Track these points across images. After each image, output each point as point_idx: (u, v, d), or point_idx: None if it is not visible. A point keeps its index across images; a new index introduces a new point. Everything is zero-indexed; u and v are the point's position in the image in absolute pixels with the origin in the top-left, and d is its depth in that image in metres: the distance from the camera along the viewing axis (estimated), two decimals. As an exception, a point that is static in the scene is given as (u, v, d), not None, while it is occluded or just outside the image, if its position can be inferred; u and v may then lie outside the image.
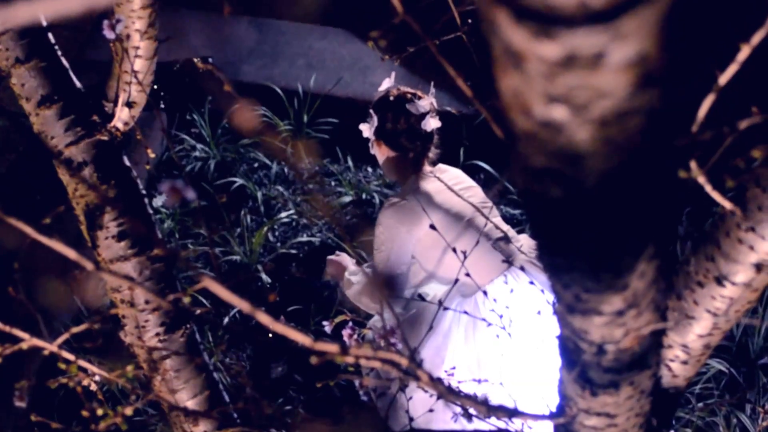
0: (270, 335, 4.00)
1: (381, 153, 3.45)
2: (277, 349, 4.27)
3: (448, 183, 3.35)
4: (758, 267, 1.39)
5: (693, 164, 1.23)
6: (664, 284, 1.19)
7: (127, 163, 1.95)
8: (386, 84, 3.43)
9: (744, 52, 1.04)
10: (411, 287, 3.56)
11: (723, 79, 1.06)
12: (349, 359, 1.15)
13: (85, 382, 1.47)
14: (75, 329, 1.32)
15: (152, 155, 1.94)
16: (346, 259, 3.72)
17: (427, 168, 3.45)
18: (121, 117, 1.92)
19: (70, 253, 1.05)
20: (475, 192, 3.50)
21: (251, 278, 4.59)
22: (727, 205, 1.34)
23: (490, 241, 3.25)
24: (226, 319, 4.37)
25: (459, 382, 1.89)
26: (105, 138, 1.90)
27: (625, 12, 0.62)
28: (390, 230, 3.33)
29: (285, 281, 4.62)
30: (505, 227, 3.41)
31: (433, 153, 3.47)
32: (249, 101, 4.98)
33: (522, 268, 3.19)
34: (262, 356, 4.28)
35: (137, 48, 1.90)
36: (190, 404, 1.92)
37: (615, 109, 0.72)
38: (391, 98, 3.37)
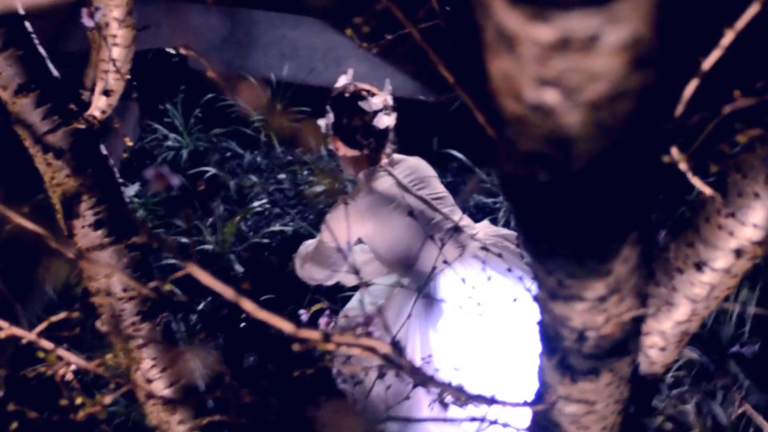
0: (242, 324, 3.98)
1: (338, 148, 3.49)
2: (248, 340, 4.27)
3: (403, 176, 3.47)
4: (738, 253, 1.40)
5: (674, 150, 1.24)
6: (646, 270, 1.19)
7: (104, 151, 1.93)
8: (343, 80, 3.47)
9: (728, 38, 1.04)
10: (368, 279, 3.72)
11: (707, 64, 1.06)
12: (331, 346, 1.14)
13: (61, 372, 1.46)
14: (54, 318, 1.31)
15: (129, 143, 1.92)
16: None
17: (384, 161, 3.50)
18: (99, 105, 1.90)
19: (50, 239, 1.04)
20: (430, 182, 3.56)
21: (224, 267, 4.58)
22: (707, 191, 1.34)
23: (441, 233, 3.31)
24: (200, 307, 4.35)
25: (436, 370, 1.89)
26: (82, 126, 1.88)
27: (621, -6, 0.62)
28: (336, 230, 3.45)
29: (258, 270, 4.60)
30: (459, 216, 3.46)
31: (388, 149, 3.51)
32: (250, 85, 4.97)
33: (476, 256, 3.28)
34: (234, 347, 4.27)
35: (115, 36, 1.88)
36: (167, 393, 1.91)
37: (607, 92, 0.72)
38: (347, 95, 3.40)
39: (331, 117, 3.40)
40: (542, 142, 0.81)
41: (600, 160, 0.83)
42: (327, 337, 1.09)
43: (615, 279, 1.10)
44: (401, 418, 1.68)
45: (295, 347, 1.10)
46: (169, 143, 5.16)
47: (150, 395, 1.86)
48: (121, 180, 2.00)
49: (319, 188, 4.98)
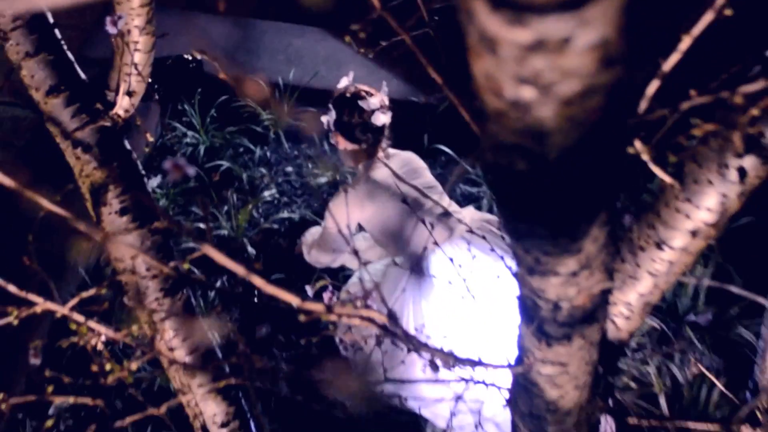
0: (255, 300, 4.00)
1: (339, 143, 3.50)
2: (261, 313, 4.27)
3: (397, 168, 3.49)
4: (694, 233, 1.40)
5: (637, 142, 1.23)
6: (613, 248, 1.18)
7: (128, 146, 1.92)
8: (344, 82, 3.48)
9: (685, 42, 1.03)
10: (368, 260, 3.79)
11: (667, 66, 1.06)
12: (333, 317, 1.14)
13: (93, 342, 1.45)
14: (85, 294, 1.30)
15: (150, 139, 1.91)
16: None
17: (380, 155, 3.51)
18: (122, 105, 1.89)
19: (80, 224, 1.03)
20: (421, 173, 3.59)
21: (238, 250, 4.57)
22: (667, 179, 1.34)
23: (432, 217, 3.34)
24: (218, 284, 4.34)
25: (427, 337, 1.89)
26: (108, 124, 1.87)
27: (591, 0, 0.61)
28: (338, 215, 3.45)
29: (269, 253, 4.60)
30: (447, 203, 3.48)
31: (384, 143, 3.52)
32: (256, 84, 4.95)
33: (464, 238, 3.30)
34: (247, 319, 4.27)
35: (136, 42, 1.87)
36: (188, 360, 1.90)
37: (578, 89, 0.71)
38: (348, 95, 3.42)
39: (333, 114, 3.42)
40: (520, 135, 0.80)
41: (572, 150, 0.82)
42: (329, 309, 1.09)
43: (585, 256, 1.10)
44: (397, 380, 1.69)
45: (301, 318, 1.09)
46: (188, 140, 5.14)
47: (172, 362, 1.85)
48: (143, 172, 1.99)
49: (322, 179, 4.97)
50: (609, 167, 0.94)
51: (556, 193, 0.91)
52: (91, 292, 1.29)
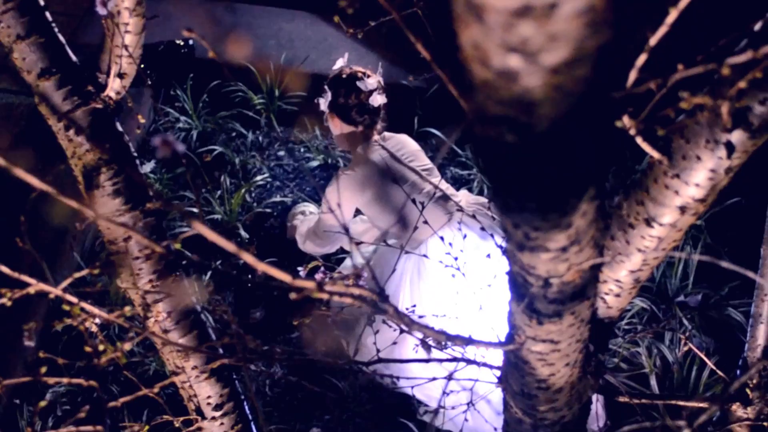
0: (249, 282, 4.00)
1: (334, 125, 3.47)
2: (255, 297, 4.26)
3: (394, 150, 3.44)
4: (682, 209, 1.39)
5: (626, 117, 1.23)
6: (603, 223, 1.18)
7: (120, 128, 1.90)
8: (339, 63, 3.44)
9: (672, 16, 1.02)
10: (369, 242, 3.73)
11: (653, 39, 1.05)
12: (324, 295, 1.13)
13: (87, 324, 1.45)
14: (77, 274, 1.29)
15: (142, 120, 1.90)
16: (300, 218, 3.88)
17: (375, 137, 3.47)
18: (114, 87, 1.87)
19: (72, 203, 1.03)
20: (417, 156, 3.55)
21: (231, 234, 4.56)
22: (655, 154, 1.34)
23: (430, 200, 3.31)
24: (212, 267, 4.33)
25: (420, 316, 1.88)
26: (99, 106, 1.86)
27: (577, -36, 0.61)
28: (336, 200, 3.38)
29: (261, 236, 4.59)
30: (445, 186, 3.46)
31: (380, 125, 3.49)
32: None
33: (460, 220, 3.28)
34: (242, 303, 4.26)
35: (127, 24, 1.85)
36: (181, 342, 1.90)
37: (565, 56, 0.71)
38: (344, 76, 3.39)
39: (329, 96, 3.39)
40: (508, 106, 0.80)
41: (561, 122, 0.82)
42: (320, 287, 1.08)
43: (575, 231, 1.09)
44: (389, 360, 1.68)
45: (292, 296, 1.08)
46: (180, 125, 5.12)
47: (166, 343, 1.85)
48: (136, 155, 1.97)
49: (314, 163, 4.96)
50: (597, 140, 0.93)
51: (545, 166, 0.91)
52: (84, 272, 1.28)
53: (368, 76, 3.39)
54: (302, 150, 5.04)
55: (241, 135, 5.15)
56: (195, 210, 4.42)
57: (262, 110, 5.19)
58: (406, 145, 3.56)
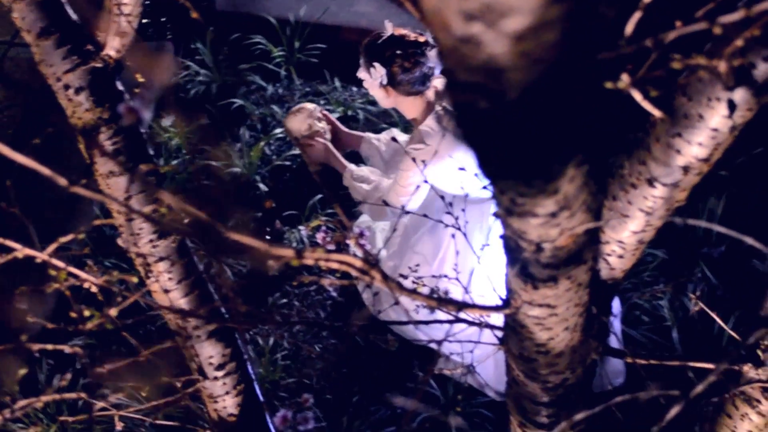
0: (221, 250, 3.96)
1: (391, 98, 3.10)
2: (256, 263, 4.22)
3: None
4: (685, 169, 1.35)
5: (624, 76, 1.17)
6: (595, 187, 1.13)
7: (120, 87, 1.87)
8: (389, 29, 3.03)
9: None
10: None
11: (646, -3, 1.00)
12: (309, 262, 1.10)
13: (86, 287, 1.43)
14: (63, 239, 1.27)
15: (141, 80, 1.87)
16: (322, 143, 3.35)
17: (438, 103, 3.10)
18: (113, 46, 1.84)
19: (44, 170, 1.00)
20: None
21: (250, 187, 4.55)
22: (656, 113, 1.28)
23: None
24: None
25: (419, 277, 1.85)
26: (99, 65, 1.83)
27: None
28: (418, 173, 2.99)
29: (280, 190, 4.57)
30: None
31: (441, 86, 3.12)
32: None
33: None
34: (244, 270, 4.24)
35: (124, -19, 1.82)
36: (183, 302, 1.88)
37: (528, 23, 0.66)
38: (398, 50, 2.98)
39: (380, 69, 2.99)
40: (476, 73, 0.76)
41: (532, 87, 0.78)
42: (299, 254, 1.05)
43: (563, 197, 1.05)
44: (390, 322, 1.64)
45: (270, 264, 1.05)
46: (200, 78, 5.09)
47: (161, 308, 1.83)
48: (141, 112, 1.94)
49: (334, 116, 4.90)
50: (580, 104, 0.89)
51: (522, 133, 0.87)
52: (69, 237, 1.26)
53: (424, 43, 3.00)
54: (322, 102, 4.98)
55: (260, 88, 5.11)
56: (215, 164, 4.41)
57: (282, 63, 5.14)
58: None
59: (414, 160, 2.81)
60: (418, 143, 3.00)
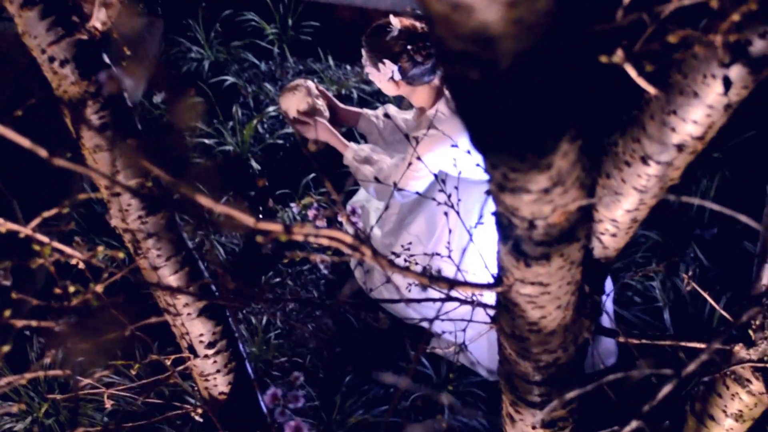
0: (208, 225, 3.93)
1: (401, 89, 3.04)
2: (251, 240, 4.20)
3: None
4: (680, 147, 1.33)
5: (619, 51, 1.15)
6: (589, 163, 1.11)
7: (107, 60, 1.84)
8: (395, 22, 2.92)
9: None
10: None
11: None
12: (298, 237, 1.08)
13: (73, 263, 1.41)
14: (47, 213, 1.25)
15: (128, 53, 1.83)
16: (321, 122, 3.24)
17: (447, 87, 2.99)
18: (99, 17, 1.80)
19: (24, 142, 0.98)
20: None
21: (243, 166, 4.52)
22: (651, 90, 1.26)
23: None
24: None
25: (411, 255, 1.83)
26: (84, 37, 1.79)
27: None
28: (431, 158, 2.98)
29: (273, 169, 4.54)
30: None
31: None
32: None
33: None
34: (236, 247, 4.22)
35: (111, -48, 1.78)
36: (172, 280, 1.86)
37: (520, -12, 0.64)
38: (408, 44, 2.91)
39: (389, 65, 2.92)
40: (468, 41, 0.73)
41: (525, 57, 0.75)
42: (288, 229, 1.03)
43: (557, 172, 1.03)
44: (380, 300, 1.62)
45: (258, 239, 1.03)
46: (192, 55, 5.05)
47: (154, 284, 1.81)
48: (126, 87, 1.91)
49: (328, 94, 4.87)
50: (574, 77, 0.87)
51: (515, 105, 0.84)
52: (53, 211, 1.24)
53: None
54: (315, 80, 4.94)
55: (253, 65, 5.07)
56: (207, 142, 4.37)
57: (275, 40, 5.10)
58: None
59: (426, 145, 2.77)
60: (429, 129, 2.94)
